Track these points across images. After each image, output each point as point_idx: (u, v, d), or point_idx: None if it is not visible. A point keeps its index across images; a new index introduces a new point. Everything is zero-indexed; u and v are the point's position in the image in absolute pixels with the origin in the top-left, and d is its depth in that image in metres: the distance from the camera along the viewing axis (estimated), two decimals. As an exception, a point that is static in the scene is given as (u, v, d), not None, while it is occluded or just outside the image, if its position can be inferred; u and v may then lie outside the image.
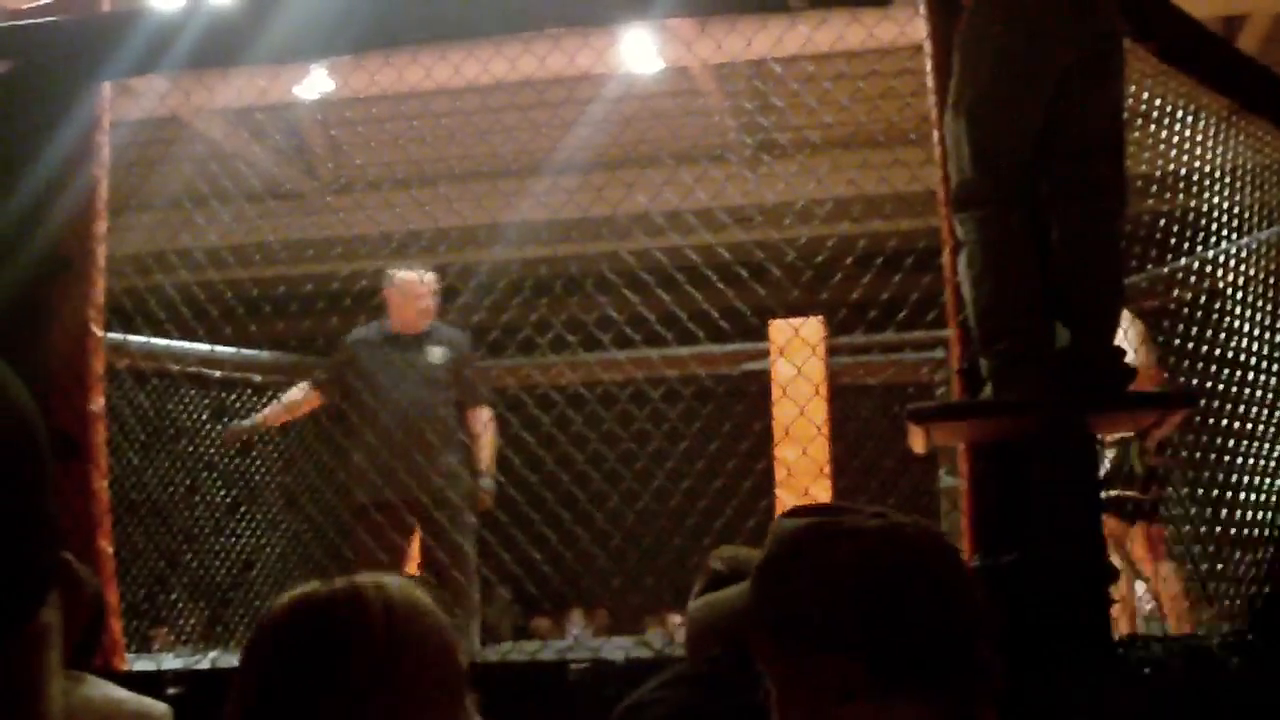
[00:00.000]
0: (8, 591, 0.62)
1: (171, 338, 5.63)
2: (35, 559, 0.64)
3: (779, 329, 6.30)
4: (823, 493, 5.80)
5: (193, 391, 6.88)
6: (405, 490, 5.06)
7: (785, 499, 5.80)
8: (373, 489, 5.12)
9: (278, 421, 5.76)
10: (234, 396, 7.11)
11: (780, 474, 5.86)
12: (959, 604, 1.25)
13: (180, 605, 6.82)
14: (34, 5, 4.41)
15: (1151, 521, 5.13)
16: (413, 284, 5.44)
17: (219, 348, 6.41)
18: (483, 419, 5.47)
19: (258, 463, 7.18)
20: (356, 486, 5.33)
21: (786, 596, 1.25)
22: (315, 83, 6.67)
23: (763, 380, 6.31)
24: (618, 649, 5.26)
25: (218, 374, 6.94)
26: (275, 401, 5.66)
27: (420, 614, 1.28)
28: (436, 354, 5.38)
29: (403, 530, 5.18)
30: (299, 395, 5.61)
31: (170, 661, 4.61)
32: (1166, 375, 4.93)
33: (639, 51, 6.24)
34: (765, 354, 6.55)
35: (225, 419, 6.58)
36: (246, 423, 5.68)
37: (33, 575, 0.64)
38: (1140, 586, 5.40)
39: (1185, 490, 5.11)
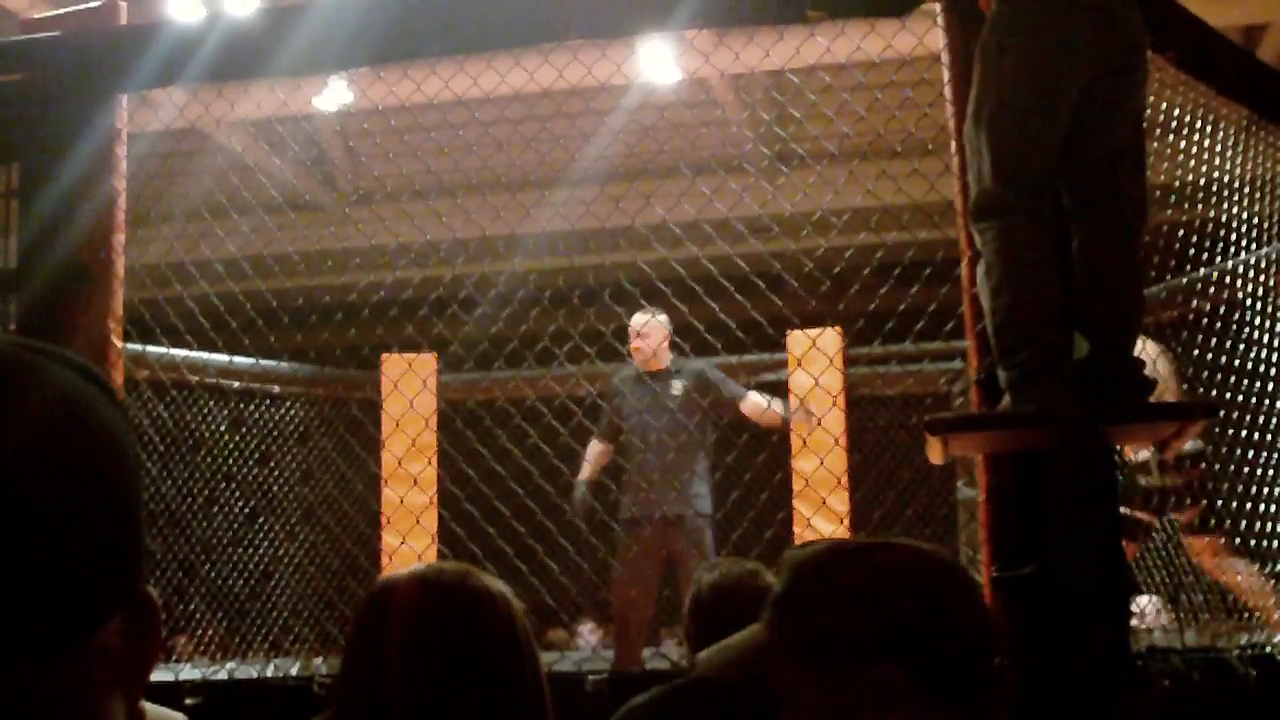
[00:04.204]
0: (62, 603, 0.62)
1: (190, 349, 5.65)
2: (97, 575, 0.64)
3: (796, 339, 6.30)
4: (840, 504, 5.79)
5: (211, 402, 6.91)
6: (657, 508, 5.70)
7: (802, 510, 5.79)
8: (632, 507, 5.82)
9: (596, 475, 6.17)
10: (252, 407, 7.14)
11: (797, 485, 5.84)
12: (983, 617, 1.25)
13: (198, 615, 6.84)
14: (51, 14, 4.43)
15: (1210, 533, 4.99)
16: (634, 327, 5.93)
17: (237, 358, 6.43)
18: (749, 405, 5.87)
19: (275, 474, 7.21)
20: (624, 504, 5.93)
21: (821, 614, 1.24)
22: (334, 94, 6.70)
23: (780, 391, 6.31)
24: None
25: (236, 385, 6.97)
26: (585, 463, 6.08)
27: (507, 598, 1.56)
28: (677, 387, 5.86)
29: (658, 540, 5.75)
30: (599, 448, 6.11)
31: (188, 672, 4.62)
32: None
33: (657, 63, 6.25)
34: (783, 365, 6.54)
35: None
36: (579, 494, 6.00)
37: (91, 591, 0.64)
38: (1144, 600, 5.32)
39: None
